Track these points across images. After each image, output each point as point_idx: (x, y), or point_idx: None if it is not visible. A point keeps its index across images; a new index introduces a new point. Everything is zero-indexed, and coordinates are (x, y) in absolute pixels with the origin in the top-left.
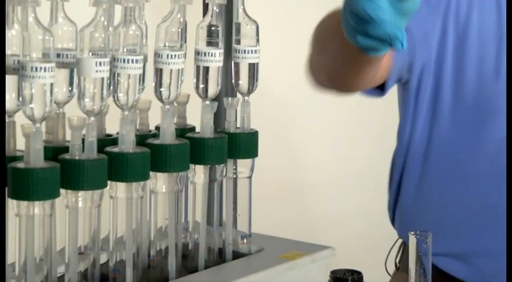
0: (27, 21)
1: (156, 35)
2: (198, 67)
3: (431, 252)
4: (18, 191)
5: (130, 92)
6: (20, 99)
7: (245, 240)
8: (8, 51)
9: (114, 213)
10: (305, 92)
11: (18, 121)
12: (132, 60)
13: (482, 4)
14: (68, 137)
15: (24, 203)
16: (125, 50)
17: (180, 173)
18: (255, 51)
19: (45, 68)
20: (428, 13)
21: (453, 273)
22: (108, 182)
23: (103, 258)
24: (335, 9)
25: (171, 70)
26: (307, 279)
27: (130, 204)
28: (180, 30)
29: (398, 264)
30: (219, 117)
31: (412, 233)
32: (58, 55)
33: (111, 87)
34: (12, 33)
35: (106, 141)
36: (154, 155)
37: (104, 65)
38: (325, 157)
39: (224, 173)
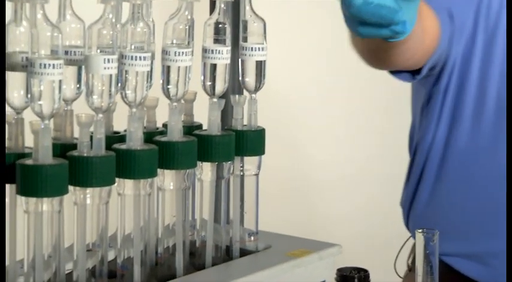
0: (36, 18)
1: (164, 32)
2: (205, 64)
3: (438, 251)
4: (26, 187)
5: (138, 89)
6: (29, 96)
7: (252, 237)
8: (16, 48)
9: (122, 210)
10: (310, 91)
11: (27, 118)
12: (140, 57)
13: None
14: (76, 134)
15: (32, 200)
16: (132, 47)
17: (188, 170)
18: (262, 48)
19: (53, 64)
20: (465, 4)
21: (468, 273)
22: (116, 179)
23: (111, 256)
24: None
25: (179, 67)
26: (314, 276)
27: (138, 201)
28: (187, 27)
29: (410, 265)
30: (226, 114)
31: (420, 231)
32: (66, 52)
33: (119, 84)
34: (20, 30)
35: (113, 138)
36: (162, 152)
37: (112, 62)
38: (330, 156)
39: (231, 171)
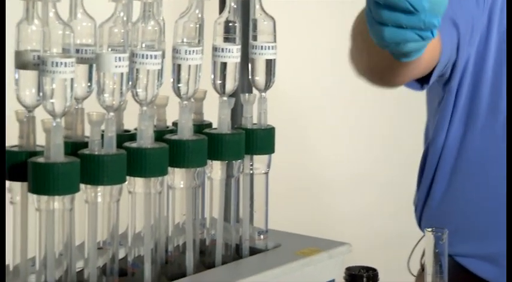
0: (48, 17)
1: (174, 31)
2: (215, 63)
3: (447, 250)
4: (38, 185)
5: (149, 88)
6: (40, 94)
7: (262, 236)
8: (27, 47)
9: (132, 208)
10: (319, 90)
11: (38, 116)
12: (151, 55)
13: None
14: (87, 133)
15: (44, 198)
16: (143, 45)
17: (198, 169)
18: (272, 47)
19: (65, 63)
20: (476, 6)
21: (481, 274)
22: (127, 177)
23: (121, 254)
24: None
25: (189, 66)
26: (324, 275)
27: (148, 199)
28: (197, 26)
29: (423, 264)
30: (235, 113)
31: (429, 229)
32: (77, 51)
33: (130, 83)
34: (32, 29)
35: (124, 137)
36: (172, 151)
37: (123, 60)
38: (340, 155)
39: (241, 169)
